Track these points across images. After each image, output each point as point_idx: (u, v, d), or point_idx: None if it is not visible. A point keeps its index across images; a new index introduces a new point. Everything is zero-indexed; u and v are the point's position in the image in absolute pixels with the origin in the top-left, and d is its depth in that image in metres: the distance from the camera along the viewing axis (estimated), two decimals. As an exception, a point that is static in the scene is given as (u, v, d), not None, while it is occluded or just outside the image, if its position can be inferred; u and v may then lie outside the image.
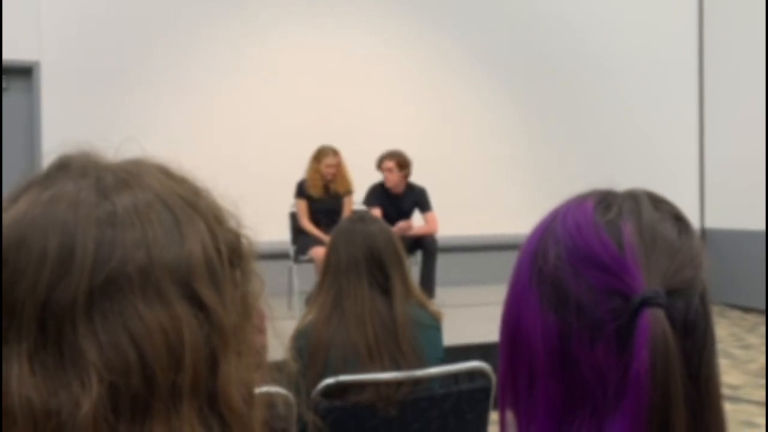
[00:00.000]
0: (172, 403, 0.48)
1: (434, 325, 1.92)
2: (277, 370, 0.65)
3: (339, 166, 5.14)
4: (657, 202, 0.64)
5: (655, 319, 0.55)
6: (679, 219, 0.63)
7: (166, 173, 0.55)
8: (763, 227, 6.38)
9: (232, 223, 0.57)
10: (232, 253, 0.54)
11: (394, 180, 5.18)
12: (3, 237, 0.49)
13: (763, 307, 6.20)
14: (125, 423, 0.47)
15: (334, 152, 5.12)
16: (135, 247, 0.49)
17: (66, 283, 0.47)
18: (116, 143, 0.58)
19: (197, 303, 0.50)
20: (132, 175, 0.53)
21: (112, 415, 0.46)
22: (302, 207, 5.17)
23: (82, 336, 0.47)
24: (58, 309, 0.47)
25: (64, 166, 0.53)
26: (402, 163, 5.17)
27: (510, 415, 0.65)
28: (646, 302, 0.56)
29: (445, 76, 6.81)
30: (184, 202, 0.53)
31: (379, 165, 5.20)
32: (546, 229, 0.64)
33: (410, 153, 5.27)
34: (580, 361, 0.59)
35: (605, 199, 0.64)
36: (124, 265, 0.48)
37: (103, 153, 0.56)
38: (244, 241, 0.57)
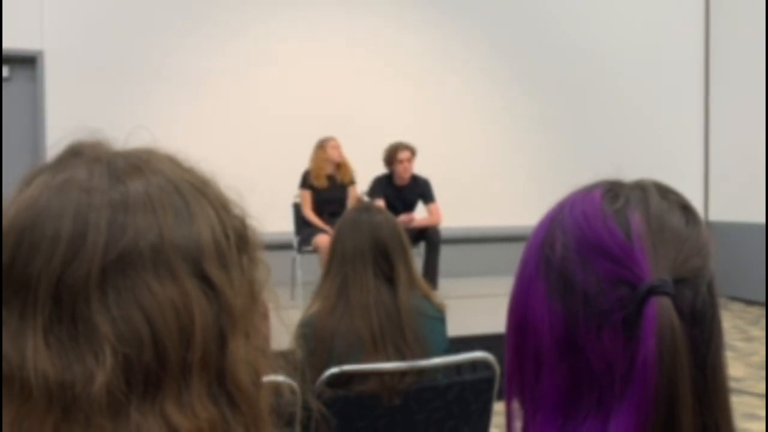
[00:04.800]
0: (182, 378, 0.49)
1: (438, 316, 1.93)
2: (283, 359, 0.66)
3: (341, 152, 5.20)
4: (664, 192, 0.64)
5: (662, 308, 0.55)
6: (686, 209, 0.63)
7: (175, 162, 0.57)
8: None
9: (238, 212, 0.58)
10: (239, 240, 0.56)
11: (410, 170, 5.19)
12: (17, 219, 0.50)
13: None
14: (138, 396, 0.48)
15: (334, 138, 5.21)
16: (147, 228, 0.50)
17: (80, 258, 0.48)
18: (125, 131, 0.59)
19: (207, 282, 0.51)
20: (143, 161, 0.54)
21: (126, 388, 0.48)
22: (306, 197, 5.20)
23: (95, 311, 0.48)
24: (72, 284, 0.48)
25: (76, 152, 0.55)
26: (414, 152, 5.19)
27: (516, 405, 0.65)
28: (653, 291, 0.56)
29: (450, 66, 6.79)
30: (194, 188, 0.54)
31: (392, 157, 5.19)
32: (553, 219, 0.64)
33: (414, 144, 5.27)
34: (586, 350, 0.59)
35: (613, 189, 0.64)
36: (136, 242, 0.50)
37: (113, 141, 0.57)
38: (250, 229, 0.58)
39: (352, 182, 5.26)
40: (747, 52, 6.94)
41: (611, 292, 0.58)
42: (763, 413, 3.61)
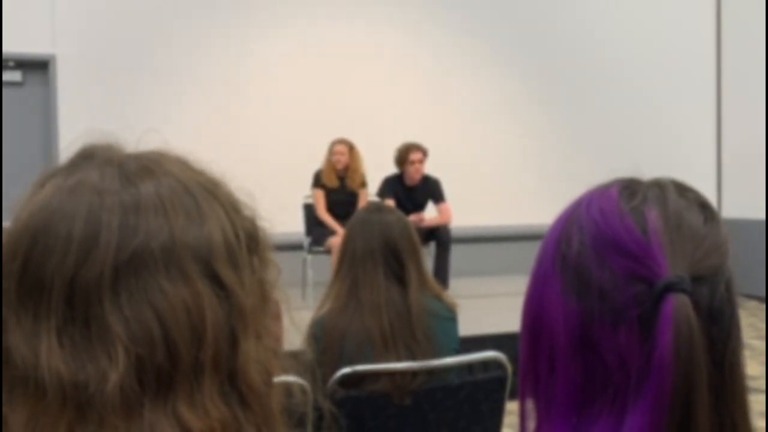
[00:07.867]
0: (194, 377, 0.50)
1: (449, 315, 1.92)
2: (294, 359, 0.66)
3: (352, 157, 5.17)
4: (682, 190, 0.64)
5: (679, 305, 0.55)
6: (705, 207, 0.63)
7: (186, 163, 0.57)
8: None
9: (248, 213, 0.58)
10: (249, 240, 0.56)
11: (421, 172, 5.19)
12: (31, 221, 0.51)
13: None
14: (150, 396, 0.49)
15: (344, 141, 5.19)
16: (158, 229, 0.51)
17: (93, 260, 0.49)
18: (137, 134, 0.59)
19: (218, 282, 0.52)
20: (154, 163, 0.55)
21: (138, 388, 0.48)
22: (319, 197, 5.20)
23: (108, 311, 0.49)
24: (85, 285, 0.49)
25: (88, 155, 0.55)
26: (426, 153, 5.19)
27: (530, 405, 0.65)
28: (670, 288, 0.55)
29: (459, 66, 6.77)
30: (204, 190, 0.55)
31: (404, 158, 5.18)
32: (570, 217, 0.64)
33: (424, 144, 5.27)
34: (601, 348, 0.58)
35: (630, 187, 0.63)
36: (147, 243, 0.50)
37: (125, 143, 0.58)
38: (260, 230, 0.58)
39: (363, 185, 5.26)
40: (758, 51, 6.87)
41: (627, 289, 0.57)
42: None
